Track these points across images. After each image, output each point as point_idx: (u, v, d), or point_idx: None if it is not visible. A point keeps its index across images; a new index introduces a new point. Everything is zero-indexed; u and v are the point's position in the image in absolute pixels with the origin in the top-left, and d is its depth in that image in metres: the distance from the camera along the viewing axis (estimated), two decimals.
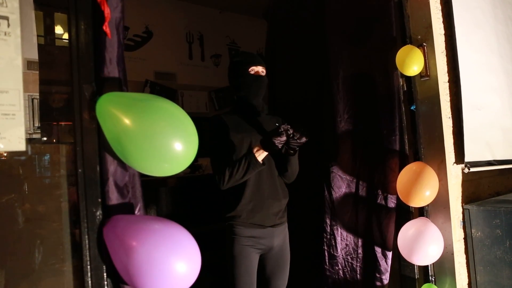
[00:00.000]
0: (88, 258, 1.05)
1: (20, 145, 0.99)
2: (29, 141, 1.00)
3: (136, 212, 1.25)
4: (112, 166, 1.15)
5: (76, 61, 1.08)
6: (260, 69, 1.83)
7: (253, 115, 1.82)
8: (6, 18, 1.00)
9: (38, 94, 1.11)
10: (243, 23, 6.47)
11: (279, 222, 1.81)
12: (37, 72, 1.07)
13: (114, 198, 1.15)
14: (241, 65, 1.84)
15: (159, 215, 4.32)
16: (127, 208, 1.19)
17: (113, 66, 1.18)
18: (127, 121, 1.07)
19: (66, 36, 1.15)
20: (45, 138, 1.04)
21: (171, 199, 4.44)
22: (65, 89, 1.09)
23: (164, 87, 5.55)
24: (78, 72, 1.07)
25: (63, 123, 1.10)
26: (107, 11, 1.16)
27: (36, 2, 1.07)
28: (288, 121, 1.68)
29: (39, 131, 1.04)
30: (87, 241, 1.06)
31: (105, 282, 1.09)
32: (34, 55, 1.12)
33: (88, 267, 1.05)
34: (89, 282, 1.05)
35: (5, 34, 1.00)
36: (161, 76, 5.46)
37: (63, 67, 1.08)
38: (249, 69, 1.80)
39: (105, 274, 1.08)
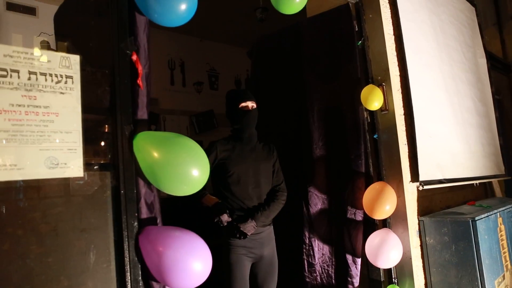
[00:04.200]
0: (128, 260, 1.37)
1: (79, 172, 1.32)
2: (85, 169, 1.32)
3: (158, 223, 1.57)
4: (143, 188, 1.48)
5: (119, 108, 1.41)
6: (250, 104, 2.20)
7: (246, 144, 2.18)
8: (71, 77, 1.34)
9: None
10: (222, 51, 6.88)
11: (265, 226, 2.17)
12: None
13: (144, 212, 1.48)
14: (232, 101, 2.22)
15: None
16: (153, 221, 1.52)
17: (143, 110, 1.53)
18: (156, 154, 1.42)
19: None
20: (96, 167, 1.37)
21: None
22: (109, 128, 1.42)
23: None
24: (121, 116, 1.41)
25: (109, 155, 1.42)
26: (140, 68, 1.51)
27: (88, 63, 1.41)
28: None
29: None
30: (127, 247, 1.37)
31: (140, 278, 1.40)
32: None
33: (128, 266, 1.36)
34: (129, 278, 1.36)
35: (70, 89, 1.33)
36: None
37: (109, 112, 1.42)
38: (239, 105, 2.18)
39: (140, 272, 1.40)
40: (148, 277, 1.43)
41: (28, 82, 1.24)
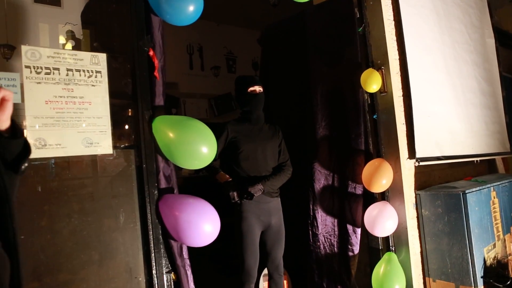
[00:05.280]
0: (150, 221, 1.67)
1: (109, 150, 1.62)
2: (114, 147, 1.62)
3: (175, 193, 1.86)
4: (161, 163, 1.77)
5: (140, 96, 1.70)
6: (257, 88, 2.46)
7: (254, 124, 2.44)
8: (100, 72, 1.62)
9: None
10: (239, 35, 7.05)
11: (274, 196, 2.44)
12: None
13: (163, 183, 1.77)
14: (241, 86, 2.47)
15: None
16: (170, 190, 1.82)
17: (160, 98, 1.80)
18: (172, 134, 1.70)
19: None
20: (122, 146, 1.66)
21: None
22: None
23: (167, 95, 6.09)
24: (142, 103, 1.69)
25: (133, 136, 1.71)
26: (156, 62, 1.78)
27: (111, 55, 1.69)
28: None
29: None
30: (149, 211, 1.68)
31: (160, 236, 1.70)
32: None
33: (151, 226, 1.67)
34: (151, 236, 1.67)
35: (100, 82, 1.62)
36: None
37: (131, 100, 1.70)
38: (248, 90, 2.43)
39: (160, 231, 1.70)
40: (167, 236, 1.73)
41: (66, 77, 1.54)
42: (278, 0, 5.36)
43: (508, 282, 2.38)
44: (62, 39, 1.63)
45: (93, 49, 1.72)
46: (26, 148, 0.91)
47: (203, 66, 6.66)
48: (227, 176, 2.35)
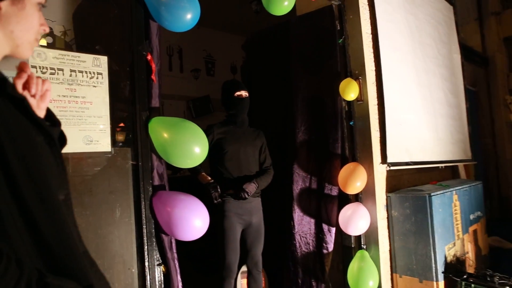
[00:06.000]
0: (144, 216, 1.77)
1: (108, 148, 1.71)
2: (112, 145, 1.71)
3: (166, 189, 1.97)
4: (156, 162, 1.87)
5: (138, 98, 1.80)
6: (243, 93, 2.60)
7: (239, 127, 2.58)
8: (101, 73, 1.71)
9: None
10: (219, 38, 7.16)
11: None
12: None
13: (156, 180, 1.88)
14: (228, 91, 2.61)
15: None
16: (163, 187, 1.92)
17: (156, 100, 1.91)
18: (167, 135, 1.81)
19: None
20: (121, 144, 1.76)
21: None
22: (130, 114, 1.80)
23: None
24: (139, 105, 1.79)
25: (130, 135, 1.81)
26: (153, 66, 1.89)
27: (111, 60, 1.78)
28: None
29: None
30: (144, 206, 1.77)
31: (153, 231, 1.81)
32: None
33: (144, 221, 1.77)
34: (145, 230, 1.77)
35: (101, 83, 1.71)
36: None
37: (129, 101, 1.80)
38: (235, 94, 2.57)
39: (153, 225, 1.80)
40: (159, 230, 1.84)
41: (70, 78, 1.62)
42: (261, 7, 5.54)
43: (465, 276, 2.62)
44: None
45: (84, 50, 1.79)
46: (63, 135, 1.00)
47: (182, 68, 6.71)
48: (209, 177, 2.47)
